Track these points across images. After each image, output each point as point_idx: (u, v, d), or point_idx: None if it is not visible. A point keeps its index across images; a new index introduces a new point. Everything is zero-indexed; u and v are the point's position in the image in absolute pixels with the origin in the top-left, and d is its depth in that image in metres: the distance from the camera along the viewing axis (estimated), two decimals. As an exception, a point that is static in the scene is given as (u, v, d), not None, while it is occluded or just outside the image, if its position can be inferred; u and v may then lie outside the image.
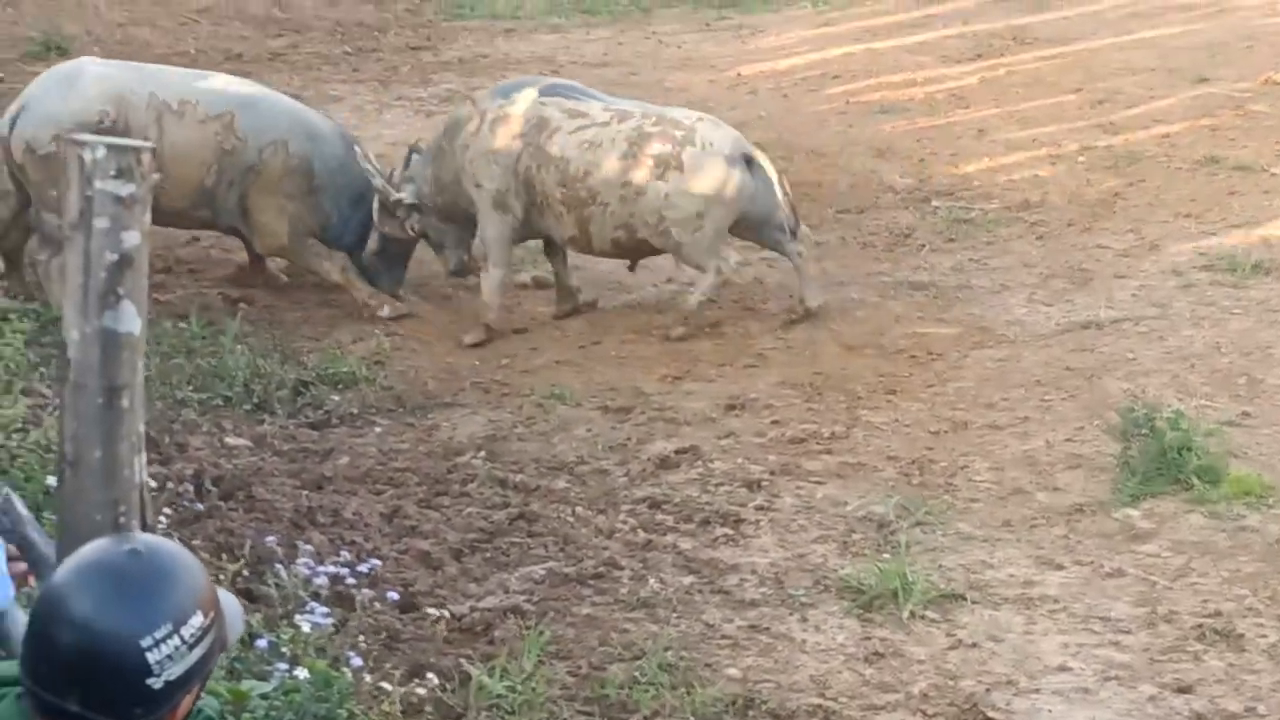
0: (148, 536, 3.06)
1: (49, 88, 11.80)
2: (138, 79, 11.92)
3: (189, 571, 3.04)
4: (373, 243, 12.11)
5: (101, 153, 3.62)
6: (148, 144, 3.75)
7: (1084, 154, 15.06)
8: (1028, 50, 18.84)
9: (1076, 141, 15.40)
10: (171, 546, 3.06)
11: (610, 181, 11.48)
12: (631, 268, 12.39)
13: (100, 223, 3.63)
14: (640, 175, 11.45)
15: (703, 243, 11.47)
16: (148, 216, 3.72)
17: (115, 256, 3.66)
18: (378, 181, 11.94)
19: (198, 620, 2.99)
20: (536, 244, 12.42)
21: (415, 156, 12.25)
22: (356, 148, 12.24)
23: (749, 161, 11.58)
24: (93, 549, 3.07)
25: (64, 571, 3.01)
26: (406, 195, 11.99)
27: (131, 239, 3.66)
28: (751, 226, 11.79)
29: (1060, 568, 8.15)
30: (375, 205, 12.00)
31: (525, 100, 11.86)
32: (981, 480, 9.14)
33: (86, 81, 11.70)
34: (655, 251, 11.93)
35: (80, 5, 22.35)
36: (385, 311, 11.90)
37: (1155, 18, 19.74)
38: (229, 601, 3.19)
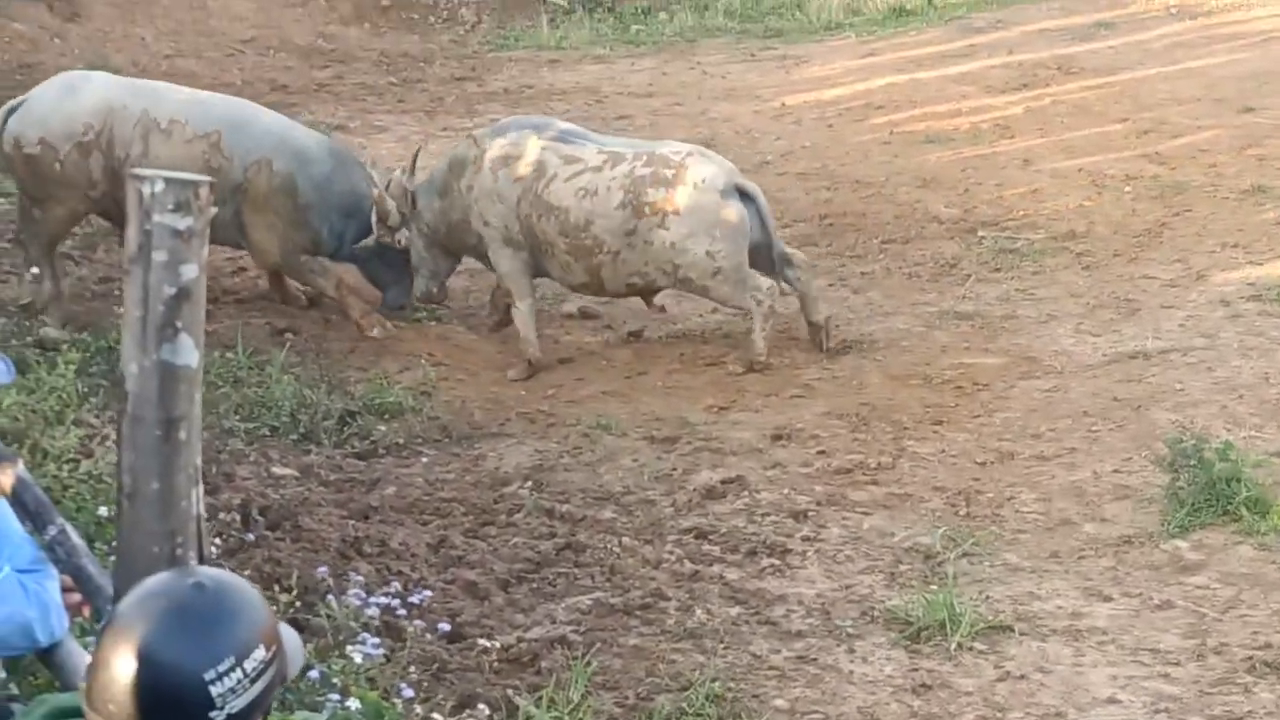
0: (211, 570, 3.07)
1: (50, 91, 12.15)
2: (133, 95, 12.05)
3: (252, 605, 3.05)
4: (370, 241, 12.21)
5: (160, 186, 3.64)
6: (205, 178, 3.77)
7: (1130, 184, 15.01)
8: (1073, 80, 18.78)
9: (1122, 171, 15.34)
10: (235, 580, 3.08)
11: (614, 231, 11.42)
12: (649, 304, 12.34)
13: (158, 256, 3.66)
14: (643, 224, 11.36)
15: (728, 281, 11.39)
16: (205, 250, 3.74)
17: (173, 290, 3.68)
18: (375, 192, 11.96)
19: (260, 654, 3.00)
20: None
21: (419, 185, 12.22)
22: (363, 160, 12.45)
23: (742, 193, 11.51)
24: (157, 582, 3.08)
25: (128, 604, 3.02)
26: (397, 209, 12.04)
27: (189, 272, 3.68)
28: (752, 258, 11.62)
29: (1109, 599, 8.11)
30: (374, 216, 12.04)
31: (524, 142, 11.82)
32: (1029, 511, 9.11)
33: (85, 92, 11.95)
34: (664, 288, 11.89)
35: (127, 37, 22.50)
36: (375, 333, 12.00)
37: (1201, 47, 19.66)
38: (289, 635, 3.20)
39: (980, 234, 13.97)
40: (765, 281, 11.45)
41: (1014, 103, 18.09)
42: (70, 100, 11.91)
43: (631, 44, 23.78)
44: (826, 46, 22.30)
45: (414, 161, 12.24)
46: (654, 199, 11.33)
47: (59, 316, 11.67)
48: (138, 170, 3.74)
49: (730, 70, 21.35)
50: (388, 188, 12.06)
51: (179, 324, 3.72)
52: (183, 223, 3.65)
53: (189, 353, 3.75)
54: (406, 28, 25.22)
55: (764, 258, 11.64)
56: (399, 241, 12.17)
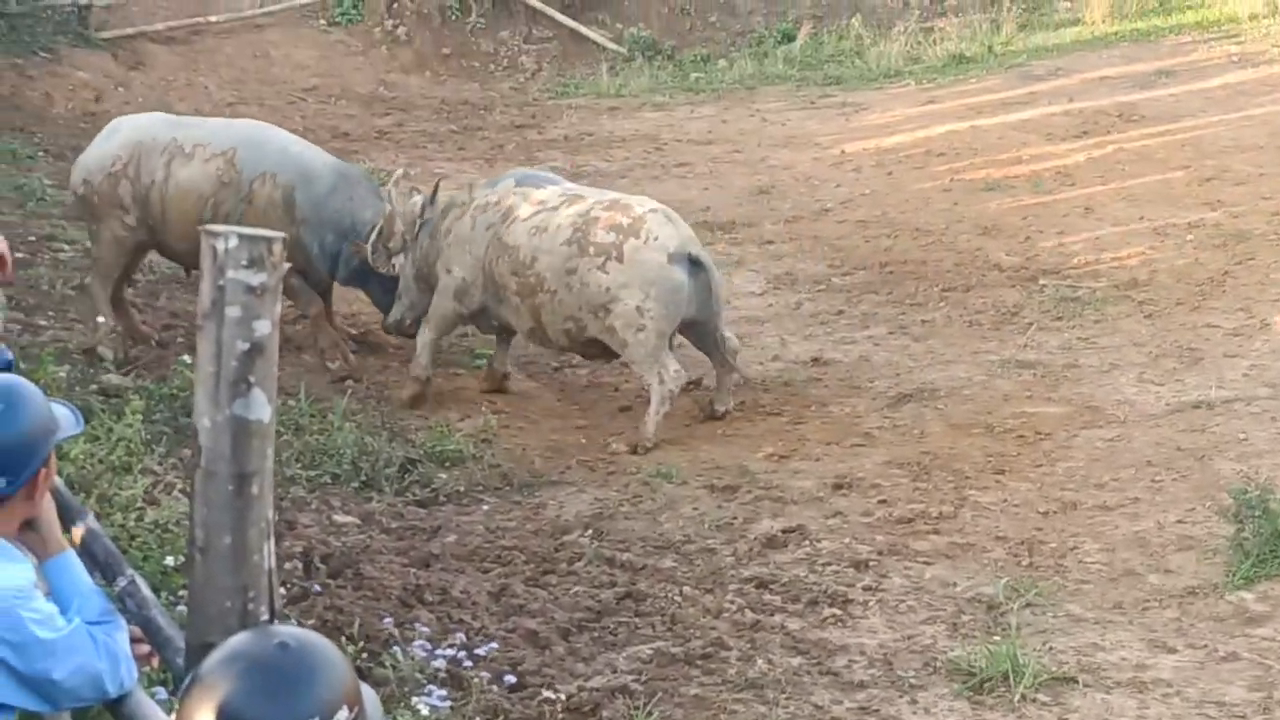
0: (296, 630, 3.07)
1: (96, 137, 13.06)
2: (167, 129, 12.74)
3: (335, 666, 3.05)
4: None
5: (234, 242, 3.67)
6: (278, 234, 3.80)
7: (1193, 232, 14.97)
8: (1135, 128, 18.75)
9: (1185, 219, 15.31)
10: (318, 639, 3.08)
11: (556, 268, 11.32)
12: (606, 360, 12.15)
13: (232, 311, 3.68)
14: (583, 263, 11.22)
15: (647, 345, 11.14)
16: (278, 306, 3.76)
17: (246, 345, 3.70)
18: (387, 208, 12.12)
19: (343, 714, 3.00)
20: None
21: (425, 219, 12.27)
22: (374, 183, 12.81)
23: (694, 263, 11.27)
24: (242, 641, 3.09)
25: (212, 664, 3.03)
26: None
27: (263, 328, 3.70)
28: (690, 330, 11.55)
29: (1173, 651, 8.04)
30: (377, 234, 12.15)
31: (502, 189, 11.92)
32: (1092, 561, 9.05)
33: (121, 131, 12.81)
34: (609, 351, 11.65)
35: (190, 85, 22.70)
36: (333, 366, 12.20)
37: (1263, 95, 19.59)
38: (369, 694, 3.20)
39: (1042, 282, 13.95)
40: (675, 365, 11.22)
41: (1075, 150, 18.07)
42: (106, 141, 12.75)
43: (691, 91, 23.87)
44: (886, 94, 22.33)
45: (434, 191, 12.28)
46: (600, 240, 11.20)
47: (113, 349, 12.06)
48: (212, 227, 3.77)
49: (790, 118, 21.39)
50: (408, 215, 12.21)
51: (252, 379, 3.74)
52: (256, 278, 3.68)
53: (261, 408, 3.77)
54: (467, 75, 25.38)
55: (706, 333, 11.56)
56: (393, 268, 12.25)
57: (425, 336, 11.95)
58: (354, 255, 12.18)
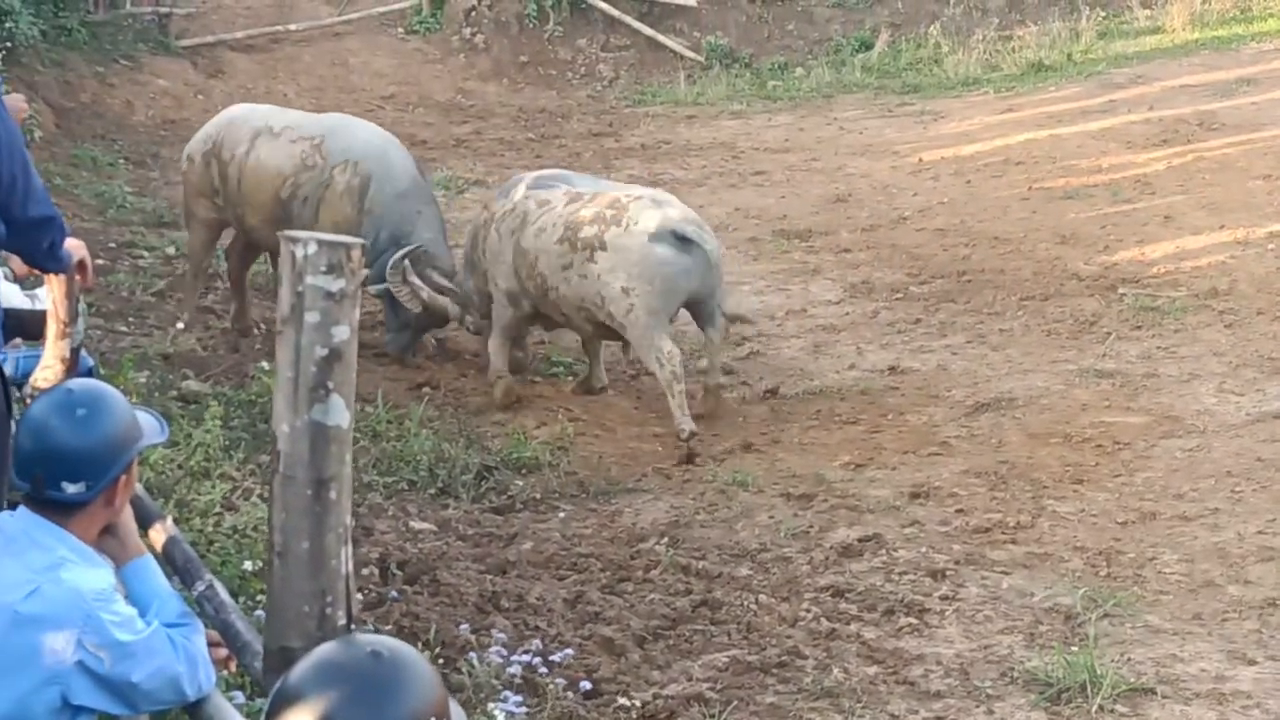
0: (387, 640, 3.05)
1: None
2: (264, 113, 13.51)
3: (425, 676, 3.04)
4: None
5: (313, 249, 3.68)
6: (357, 240, 3.81)
7: (1273, 241, 14.86)
8: (1215, 136, 18.63)
9: (1266, 228, 15.20)
10: (408, 650, 3.07)
11: (553, 266, 11.69)
12: (625, 351, 12.52)
13: (311, 317, 3.69)
14: (575, 259, 11.58)
15: (639, 323, 11.35)
16: (357, 312, 3.77)
17: (325, 351, 3.71)
18: (425, 294, 12.38)
19: None
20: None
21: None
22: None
23: (683, 240, 11.38)
24: (332, 650, 3.08)
25: (302, 672, 3.01)
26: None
27: (341, 333, 3.71)
28: (692, 305, 11.75)
29: (1253, 663, 7.97)
30: (390, 262, 12.37)
31: (518, 194, 12.18)
32: (1171, 572, 8.98)
33: (223, 114, 13.74)
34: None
35: (269, 93, 22.85)
36: None
37: (1345, 103, 19.48)
38: (455, 707, 3.19)
39: (1121, 291, 13.87)
40: (669, 346, 11.33)
41: (1155, 159, 17.97)
42: (210, 123, 13.53)
43: (768, 99, 23.87)
44: (964, 102, 22.27)
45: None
46: (585, 235, 11.53)
47: (190, 320, 12.93)
48: (291, 233, 3.78)
49: (867, 126, 21.36)
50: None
51: (330, 384, 3.75)
52: (335, 285, 3.69)
53: (340, 413, 3.78)
54: (544, 84, 25.45)
55: (705, 309, 11.76)
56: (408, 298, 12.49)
57: (495, 341, 12.17)
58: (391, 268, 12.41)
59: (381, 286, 12.44)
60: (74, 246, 5.85)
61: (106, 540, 4.54)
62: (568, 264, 11.57)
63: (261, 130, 13.00)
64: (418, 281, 12.31)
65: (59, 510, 4.42)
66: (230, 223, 13.30)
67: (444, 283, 12.52)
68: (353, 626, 3.97)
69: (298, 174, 12.72)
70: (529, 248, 11.81)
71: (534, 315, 12.22)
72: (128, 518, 4.59)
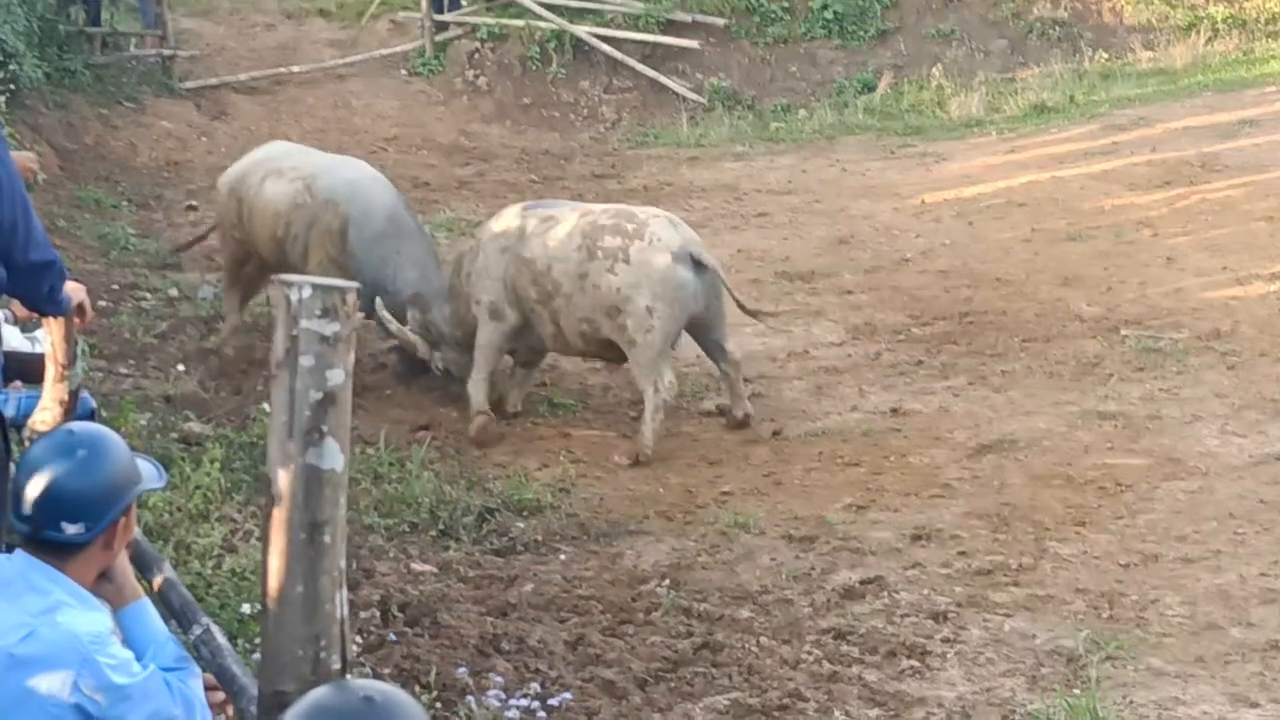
0: (380, 685, 3.07)
1: None
2: (284, 153, 13.92)
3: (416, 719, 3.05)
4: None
5: (307, 292, 3.68)
6: (352, 284, 3.81)
7: (1276, 282, 14.86)
8: (1218, 177, 18.65)
9: (1268, 269, 15.20)
10: (400, 694, 3.08)
11: (569, 273, 11.89)
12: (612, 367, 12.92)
13: (305, 361, 3.69)
14: (593, 267, 11.79)
15: (654, 345, 11.68)
16: (351, 355, 3.77)
17: (319, 394, 3.71)
18: (394, 327, 12.62)
19: None
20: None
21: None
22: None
23: (697, 263, 11.75)
24: (325, 694, 3.09)
25: (296, 715, 3.02)
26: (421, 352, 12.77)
27: (335, 377, 3.71)
28: (695, 330, 12.05)
29: (1255, 705, 7.94)
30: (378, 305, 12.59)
31: (508, 216, 12.50)
32: (1173, 615, 8.95)
33: (256, 150, 14.39)
34: (620, 354, 12.15)
35: (273, 135, 22.85)
36: None
37: (1348, 145, 19.50)
38: None
39: (1123, 333, 13.86)
40: (670, 376, 11.77)
41: (1157, 201, 17.99)
42: (238, 160, 14.33)
43: (771, 141, 23.89)
44: (967, 144, 22.29)
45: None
46: (607, 244, 11.78)
47: (233, 344, 13.39)
48: (285, 276, 3.78)
49: (870, 167, 21.38)
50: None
51: (324, 428, 3.75)
52: (329, 328, 3.69)
53: (334, 457, 3.78)
54: (547, 125, 25.49)
55: (710, 336, 12.13)
56: (437, 369, 12.89)
57: (476, 376, 12.38)
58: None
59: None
60: (73, 289, 5.87)
61: (103, 584, 4.54)
62: (584, 272, 11.80)
63: (269, 172, 13.36)
64: (386, 315, 12.50)
65: (57, 552, 4.42)
66: (249, 253, 13.65)
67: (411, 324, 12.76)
68: (348, 671, 3.96)
69: (290, 212, 13.07)
70: (535, 256, 12.03)
71: (516, 331, 12.38)
72: (124, 562, 4.60)
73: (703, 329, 12.05)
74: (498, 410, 12.45)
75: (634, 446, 11.76)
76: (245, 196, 13.39)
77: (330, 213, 12.93)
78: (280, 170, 13.36)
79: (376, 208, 13.04)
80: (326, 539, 3.85)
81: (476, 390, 12.32)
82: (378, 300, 12.47)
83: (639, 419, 12.15)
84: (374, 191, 13.21)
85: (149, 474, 4.65)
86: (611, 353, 12.29)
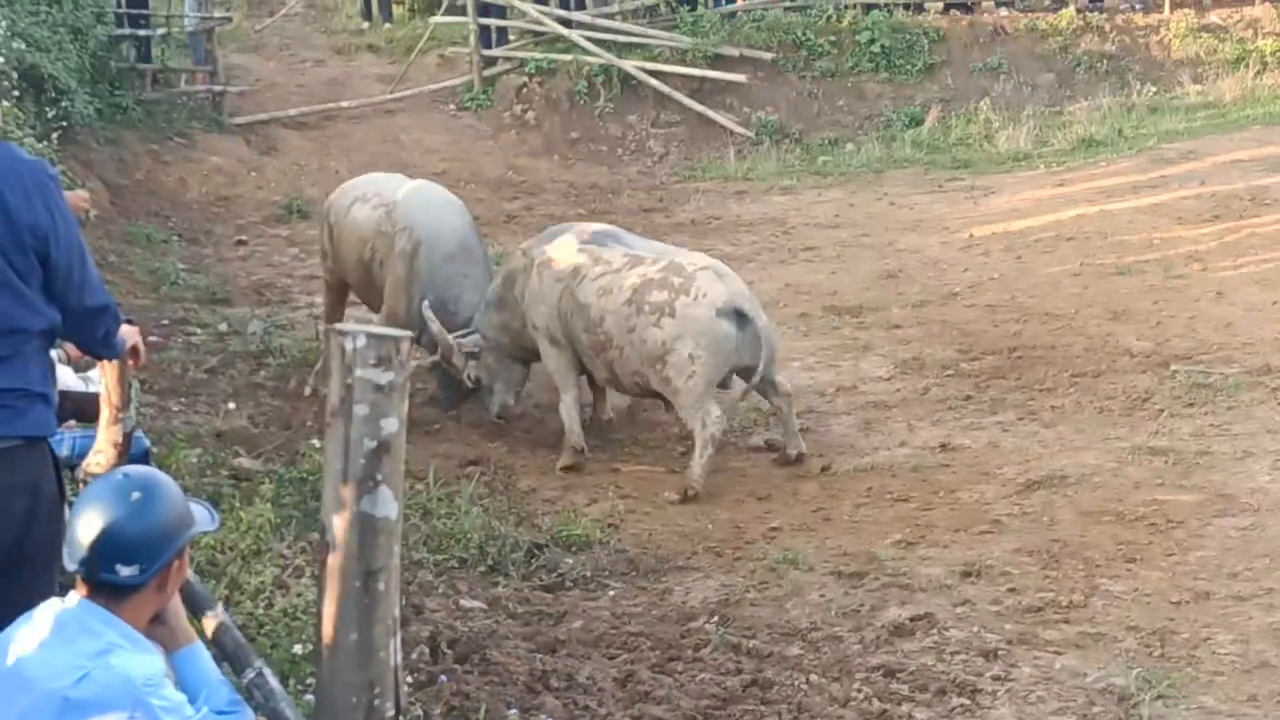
0: None
1: None
2: (378, 183, 14.25)
3: None
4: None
5: (361, 342, 3.70)
6: (405, 333, 3.83)
7: (1327, 317, 14.81)
8: (1267, 211, 18.57)
9: (1319, 304, 15.15)
10: None
11: (620, 327, 12.15)
12: (667, 409, 12.82)
13: (360, 410, 3.71)
14: (641, 321, 12.04)
15: (696, 390, 11.86)
16: (405, 404, 3.79)
17: (374, 443, 3.73)
18: (435, 327, 12.87)
19: None
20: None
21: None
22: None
23: (741, 316, 11.92)
24: None
25: None
26: (468, 343, 12.88)
27: (390, 426, 3.73)
28: (744, 376, 12.14)
29: (1309, 745, 7.92)
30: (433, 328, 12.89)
31: (566, 246, 12.68)
32: (1225, 653, 8.90)
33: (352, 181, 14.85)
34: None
35: (321, 169, 23.00)
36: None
37: (1400, 177, 19.41)
38: None
39: (1173, 368, 13.80)
40: (717, 411, 11.90)
41: (1206, 234, 17.93)
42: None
43: (818, 175, 23.91)
44: (1015, 177, 22.27)
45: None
46: (655, 299, 12.01)
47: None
48: (340, 326, 3.81)
49: (917, 201, 21.36)
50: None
51: (379, 476, 3.77)
52: (384, 377, 3.71)
53: (388, 505, 3.80)
54: (595, 159, 25.54)
55: (760, 380, 12.10)
56: (469, 379, 13.11)
57: (565, 402, 12.67)
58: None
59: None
60: (127, 332, 5.90)
61: (157, 628, 4.57)
62: (632, 327, 12.05)
63: (358, 198, 13.87)
64: (430, 313, 12.86)
65: (111, 595, 4.45)
66: (341, 280, 14.19)
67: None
68: (401, 718, 3.98)
69: (374, 239, 13.48)
70: (589, 304, 12.27)
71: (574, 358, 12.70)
72: (177, 605, 4.62)
73: (749, 374, 12.05)
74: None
75: (683, 482, 11.82)
76: (334, 223, 13.98)
77: (406, 236, 13.26)
78: (366, 197, 13.84)
79: (449, 230, 13.44)
80: (381, 586, 3.86)
81: (572, 419, 12.61)
82: (425, 302, 12.85)
83: (688, 454, 12.15)
84: (449, 214, 13.64)
85: (202, 517, 4.67)
86: (653, 396, 12.59)
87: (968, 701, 8.32)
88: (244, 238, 19.61)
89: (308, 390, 13.42)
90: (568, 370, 12.68)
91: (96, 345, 5.86)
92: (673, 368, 11.88)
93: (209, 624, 4.63)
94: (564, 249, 12.67)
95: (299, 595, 7.65)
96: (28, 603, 4.77)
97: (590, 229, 13.24)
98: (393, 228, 13.37)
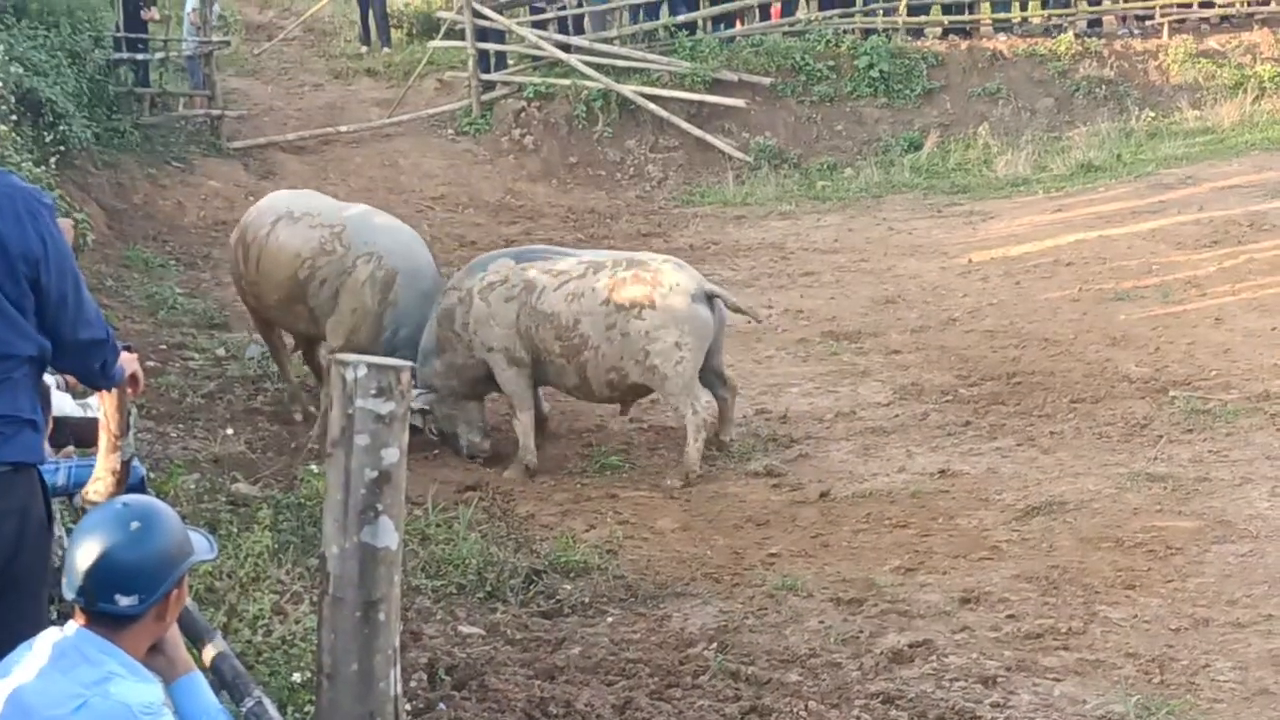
0: None
1: None
2: (303, 201, 14.08)
3: None
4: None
5: (363, 372, 3.70)
6: (407, 364, 3.82)
7: (1326, 343, 14.80)
8: (1266, 237, 18.59)
9: (1318, 330, 15.15)
10: None
11: (598, 326, 12.62)
12: (624, 412, 13.58)
13: (361, 440, 3.71)
14: (621, 317, 12.60)
15: (685, 375, 12.56)
16: (406, 435, 3.78)
17: (375, 473, 3.73)
18: None
19: None
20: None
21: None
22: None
23: (710, 298, 12.81)
24: None
25: None
26: (419, 404, 12.81)
27: (391, 456, 3.73)
28: (705, 359, 12.87)
29: (1308, 772, 7.90)
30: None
31: (506, 268, 12.96)
32: (1225, 680, 8.88)
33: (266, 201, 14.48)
34: (645, 392, 13.11)
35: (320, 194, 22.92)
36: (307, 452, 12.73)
37: (1397, 202, 19.43)
38: None
39: (1172, 394, 13.80)
40: (705, 395, 12.77)
41: (1205, 260, 17.95)
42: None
43: (817, 200, 23.93)
44: (1014, 202, 22.29)
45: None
46: (632, 294, 12.63)
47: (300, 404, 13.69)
48: (341, 356, 3.80)
49: (916, 226, 21.38)
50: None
51: (380, 507, 3.76)
52: (385, 407, 3.71)
53: (389, 535, 3.79)
54: (593, 184, 25.55)
55: (712, 364, 13.01)
56: (431, 432, 13.28)
57: (523, 420, 12.97)
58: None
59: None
60: (125, 359, 5.88)
61: (155, 657, 4.56)
62: (612, 324, 12.59)
63: (281, 216, 13.62)
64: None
65: (110, 624, 4.45)
66: (254, 304, 13.98)
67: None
68: (401, 747, 3.97)
69: (315, 257, 13.26)
70: (558, 311, 12.66)
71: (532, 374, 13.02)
72: (175, 634, 4.61)
73: (710, 356, 12.90)
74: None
75: (682, 468, 12.51)
76: (251, 242, 13.70)
77: (375, 264, 13.21)
78: (293, 215, 13.63)
79: (424, 265, 13.54)
80: (381, 617, 3.86)
81: (526, 434, 12.92)
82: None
83: (686, 483, 12.17)
84: (418, 248, 13.69)
85: (201, 546, 4.66)
86: (631, 396, 13.19)
87: (967, 729, 8.31)
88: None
89: (298, 416, 13.45)
90: (525, 389, 12.96)
91: (94, 377, 5.85)
92: (659, 356, 12.53)
93: (207, 653, 4.62)
94: (504, 271, 12.96)
95: (297, 622, 7.64)
96: (16, 626, 4.78)
97: (519, 250, 13.91)
98: (345, 249, 13.26)
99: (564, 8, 28.30)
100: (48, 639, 4.51)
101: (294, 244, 13.38)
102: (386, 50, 29.51)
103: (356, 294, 13.14)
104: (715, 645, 9.35)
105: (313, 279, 13.26)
